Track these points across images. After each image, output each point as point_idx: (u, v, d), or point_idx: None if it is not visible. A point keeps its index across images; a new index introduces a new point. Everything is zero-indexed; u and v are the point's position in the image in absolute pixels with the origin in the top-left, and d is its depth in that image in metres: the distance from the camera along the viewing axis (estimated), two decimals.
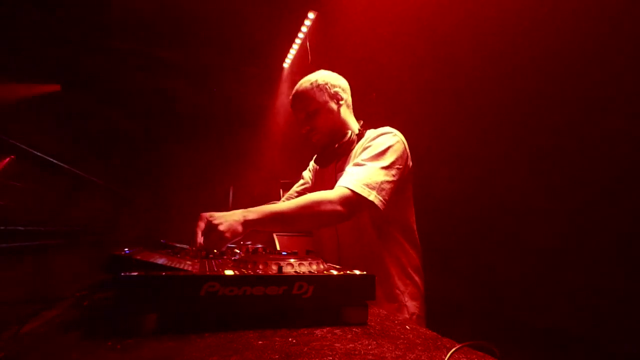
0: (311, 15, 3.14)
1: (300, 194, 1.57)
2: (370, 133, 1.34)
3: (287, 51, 3.75)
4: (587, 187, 1.25)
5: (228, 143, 4.63)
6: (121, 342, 0.55)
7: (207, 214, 1.04)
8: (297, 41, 3.54)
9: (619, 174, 1.16)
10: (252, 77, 4.22)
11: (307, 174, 1.63)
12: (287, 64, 3.95)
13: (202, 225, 1.02)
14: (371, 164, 1.18)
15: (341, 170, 1.32)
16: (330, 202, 1.10)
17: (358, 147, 1.34)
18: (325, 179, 1.44)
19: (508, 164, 1.56)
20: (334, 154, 1.38)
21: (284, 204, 1.14)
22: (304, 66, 3.44)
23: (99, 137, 3.86)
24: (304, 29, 3.31)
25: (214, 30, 3.45)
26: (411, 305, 1.26)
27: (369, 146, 1.24)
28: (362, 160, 1.20)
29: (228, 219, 1.02)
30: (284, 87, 3.99)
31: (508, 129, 1.56)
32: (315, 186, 1.55)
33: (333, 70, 1.46)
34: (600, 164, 1.21)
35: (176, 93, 4.22)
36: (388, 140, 1.24)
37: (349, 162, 1.32)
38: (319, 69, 1.46)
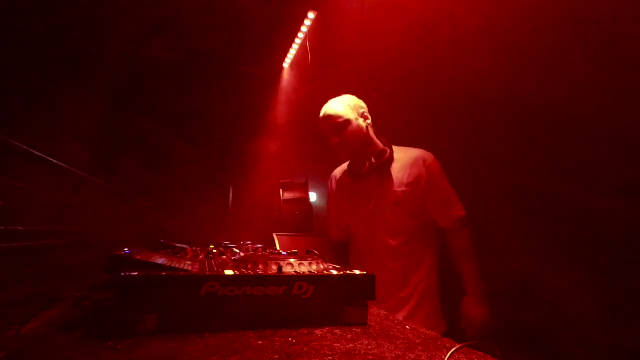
0: (311, 15, 3.13)
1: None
2: (423, 155, 1.49)
3: (287, 51, 3.75)
4: (588, 186, 1.25)
5: (228, 143, 4.62)
6: (121, 342, 0.55)
7: (468, 318, 1.32)
8: (297, 41, 3.53)
9: (619, 175, 1.16)
10: (252, 77, 4.22)
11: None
12: (287, 64, 3.94)
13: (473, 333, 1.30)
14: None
15: (385, 184, 1.48)
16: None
17: (406, 164, 1.48)
18: (365, 192, 1.54)
19: (508, 163, 1.56)
20: (374, 168, 1.49)
21: (471, 264, 1.37)
22: (304, 66, 3.44)
23: (99, 137, 3.85)
24: (304, 29, 3.31)
25: (213, 30, 3.44)
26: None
27: (444, 175, 1.49)
28: (451, 189, 1.48)
29: (480, 311, 1.31)
30: (284, 87, 3.99)
31: (507, 129, 1.56)
32: (346, 196, 1.64)
33: (333, 70, 1.52)
34: (598, 164, 1.21)
35: (175, 93, 4.22)
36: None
37: (394, 176, 1.48)
38: (319, 69, 1.51)
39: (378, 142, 1.55)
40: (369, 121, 1.53)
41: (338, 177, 1.71)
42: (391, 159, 1.49)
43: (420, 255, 1.44)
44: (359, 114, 1.50)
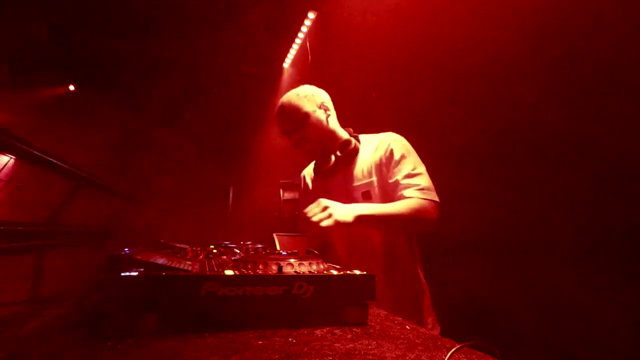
0: (311, 15, 3.13)
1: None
2: (385, 139, 1.37)
3: (287, 51, 3.75)
4: (585, 186, 1.25)
5: (228, 143, 4.63)
6: (121, 342, 0.55)
7: (324, 200, 1.12)
8: (297, 41, 3.54)
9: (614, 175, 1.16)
10: (252, 77, 4.22)
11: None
12: (287, 64, 3.95)
13: (315, 205, 1.12)
14: (425, 172, 1.29)
15: (352, 178, 1.37)
16: (428, 211, 1.20)
17: (371, 152, 1.36)
18: (333, 188, 1.43)
19: (508, 162, 1.56)
20: (339, 162, 1.39)
21: (390, 206, 1.20)
22: (304, 66, 3.44)
23: (99, 137, 3.86)
24: (304, 29, 3.31)
25: (214, 30, 3.45)
26: (427, 289, 1.34)
27: (407, 153, 1.31)
28: (417, 169, 1.29)
29: (341, 206, 1.13)
30: (284, 87, 3.99)
31: (506, 128, 1.55)
32: (317, 196, 1.51)
33: (333, 70, 1.48)
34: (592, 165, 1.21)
35: (176, 93, 4.22)
36: (408, 144, 1.36)
37: (360, 168, 1.37)
38: (319, 69, 1.48)
39: (342, 133, 1.44)
40: (330, 112, 1.41)
41: (307, 177, 1.60)
42: (356, 150, 1.38)
43: (403, 252, 1.32)
44: (317, 105, 1.39)
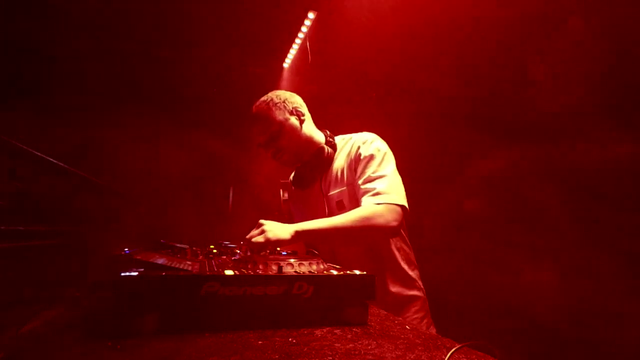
0: (311, 15, 3.13)
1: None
2: (356, 141, 1.30)
3: (287, 51, 3.75)
4: (582, 188, 1.25)
5: (228, 143, 4.63)
6: (121, 342, 0.55)
7: (262, 221, 1.07)
8: (297, 41, 3.54)
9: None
10: (252, 77, 4.22)
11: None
12: (287, 64, 3.95)
13: (254, 228, 1.06)
14: (389, 173, 1.19)
15: (328, 187, 1.31)
16: (382, 216, 1.10)
17: (344, 158, 1.31)
18: (310, 200, 1.38)
19: (507, 162, 1.56)
20: (315, 172, 1.34)
21: (336, 218, 1.11)
22: (304, 66, 3.45)
23: (98, 137, 3.86)
24: (304, 29, 3.31)
25: (213, 30, 3.45)
26: (421, 289, 1.29)
27: (372, 156, 1.22)
28: (378, 171, 1.19)
29: (277, 225, 1.06)
30: (284, 87, 3.99)
31: (505, 127, 1.56)
32: (298, 209, 1.48)
33: (333, 70, 1.46)
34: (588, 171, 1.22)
35: (175, 93, 4.22)
36: (382, 145, 1.27)
37: (334, 176, 1.31)
38: (319, 69, 1.46)
39: (318, 138, 1.37)
40: (304, 116, 1.34)
41: (287, 188, 1.54)
42: (330, 158, 1.32)
43: (389, 255, 1.26)
44: (289, 112, 1.31)
